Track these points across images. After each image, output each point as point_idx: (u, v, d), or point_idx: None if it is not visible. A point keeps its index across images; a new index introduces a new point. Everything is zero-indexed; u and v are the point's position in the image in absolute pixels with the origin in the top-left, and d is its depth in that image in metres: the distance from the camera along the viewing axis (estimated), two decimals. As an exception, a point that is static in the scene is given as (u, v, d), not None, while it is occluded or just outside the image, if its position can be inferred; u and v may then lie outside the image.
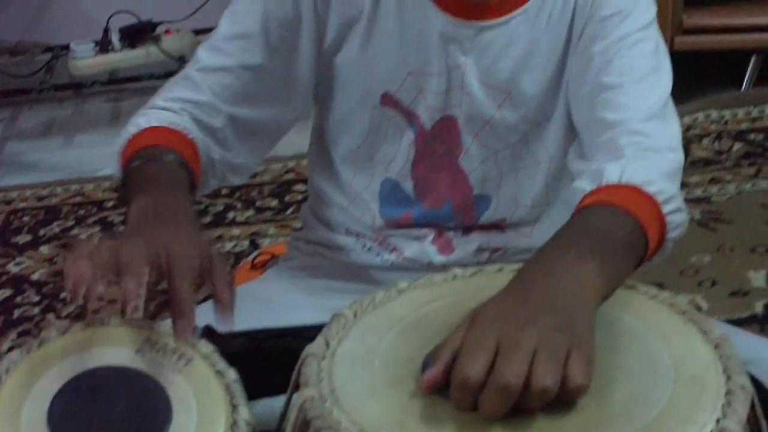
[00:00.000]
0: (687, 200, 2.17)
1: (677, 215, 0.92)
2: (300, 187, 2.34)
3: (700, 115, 2.61)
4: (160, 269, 0.82)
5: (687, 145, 2.46)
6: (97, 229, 2.23)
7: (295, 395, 0.79)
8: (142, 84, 2.86)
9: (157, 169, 0.98)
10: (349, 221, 1.18)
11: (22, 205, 2.40)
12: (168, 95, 1.08)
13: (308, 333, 0.87)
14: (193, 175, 1.01)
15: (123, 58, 2.75)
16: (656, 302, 0.86)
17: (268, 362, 0.97)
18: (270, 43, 1.06)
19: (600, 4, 1.04)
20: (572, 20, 1.05)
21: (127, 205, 0.94)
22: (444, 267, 1.13)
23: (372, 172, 1.14)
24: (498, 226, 1.15)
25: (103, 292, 0.81)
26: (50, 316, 1.87)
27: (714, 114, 2.62)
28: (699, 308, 1.75)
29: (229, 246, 2.13)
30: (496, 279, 0.85)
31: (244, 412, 0.78)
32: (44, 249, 2.18)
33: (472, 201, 1.13)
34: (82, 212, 2.32)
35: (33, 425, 0.76)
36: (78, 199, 2.38)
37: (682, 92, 2.63)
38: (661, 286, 1.81)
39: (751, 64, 2.75)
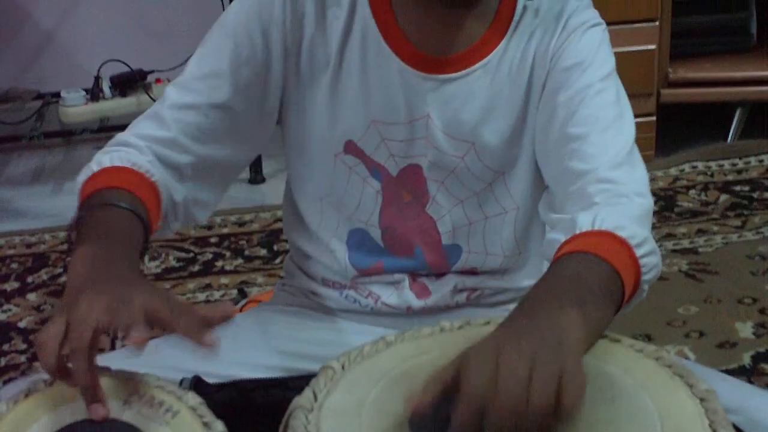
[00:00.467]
0: (674, 251, 2.21)
1: (651, 258, 0.93)
2: (289, 235, 2.34)
3: (687, 167, 2.63)
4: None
5: (674, 196, 2.48)
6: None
7: (282, 448, 0.79)
8: (132, 132, 2.86)
9: (106, 218, 0.96)
10: (323, 271, 1.18)
11: (10, 252, 2.40)
12: (135, 131, 1.07)
13: (296, 384, 0.87)
14: (148, 222, 0.99)
15: (113, 106, 2.76)
16: (642, 355, 0.86)
17: (255, 414, 0.97)
18: (239, 82, 1.07)
19: (560, 56, 1.05)
20: (531, 72, 1.07)
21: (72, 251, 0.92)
22: (423, 310, 1.15)
23: (338, 222, 1.15)
24: (472, 272, 1.16)
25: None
26: (37, 365, 1.86)
27: (700, 165, 2.64)
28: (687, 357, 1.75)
29: (217, 294, 2.13)
30: (483, 331, 0.85)
31: (230, 465, 0.78)
32: (32, 296, 2.17)
33: (442, 251, 1.14)
34: (70, 260, 2.31)
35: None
36: (66, 246, 2.37)
37: (669, 144, 2.70)
38: (648, 337, 1.84)
39: (736, 117, 2.79)
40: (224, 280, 2.19)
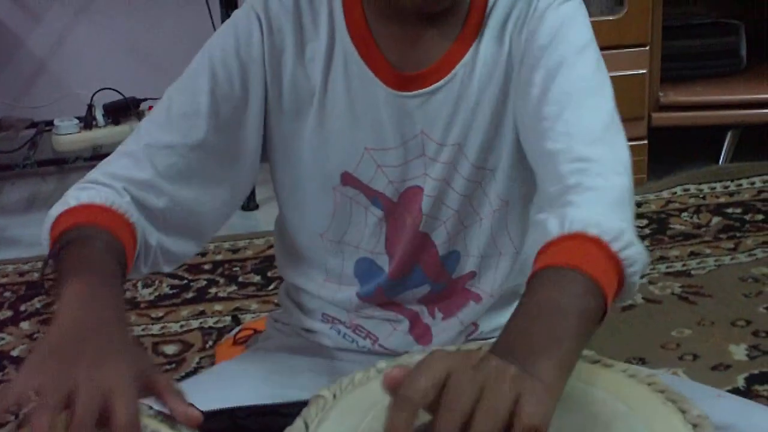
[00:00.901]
0: (667, 274, 2.21)
1: (631, 249, 0.85)
2: (282, 262, 2.34)
3: (679, 190, 2.64)
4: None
5: (666, 219, 2.48)
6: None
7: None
8: (125, 159, 2.87)
9: (87, 255, 0.93)
10: (323, 306, 1.17)
11: (3, 280, 2.39)
12: (109, 171, 1.04)
13: (288, 410, 0.87)
14: (125, 262, 0.97)
15: (106, 134, 2.77)
16: (635, 381, 0.86)
17: (248, 442, 0.97)
18: (217, 121, 1.05)
19: (534, 35, 1.03)
20: (508, 58, 1.05)
21: (56, 289, 0.90)
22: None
23: (344, 254, 1.13)
24: (476, 297, 1.15)
25: None
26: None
27: (692, 188, 2.65)
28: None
29: (211, 321, 2.12)
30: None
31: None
32: (25, 325, 2.16)
33: (440, 263, 1.13)
34: (57, 296, 2.30)
35: None
36: (41, 275, 2.36)
37: (661, 167, 2.71)
38: (642, 360, 1.84)
39: (727, 140, 2.80)
40: (218, 306, 2.19)
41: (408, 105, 1.06)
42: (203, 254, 2.41)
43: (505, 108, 1.06)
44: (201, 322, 2.12)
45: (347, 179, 1.09)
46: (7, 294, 2.32)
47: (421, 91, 1.06)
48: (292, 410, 0.84)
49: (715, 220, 2.48)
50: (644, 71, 2.63)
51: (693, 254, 2.30)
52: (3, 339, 2.11)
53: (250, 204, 2.67)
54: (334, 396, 0.85)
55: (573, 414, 0.80)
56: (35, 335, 2.11)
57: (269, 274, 2.31)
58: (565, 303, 0.80)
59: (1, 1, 3.05)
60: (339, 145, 1.07)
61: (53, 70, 3.13)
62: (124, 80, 2.89)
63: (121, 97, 2.81)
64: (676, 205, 2.56)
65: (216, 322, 2.12)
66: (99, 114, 2.77)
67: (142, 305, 2.20)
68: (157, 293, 2.26)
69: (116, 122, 2.79)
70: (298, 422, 0.81)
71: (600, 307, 0.82)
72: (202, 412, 0.96)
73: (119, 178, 1.03)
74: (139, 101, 2.82)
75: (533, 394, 0.70)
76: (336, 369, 1.15)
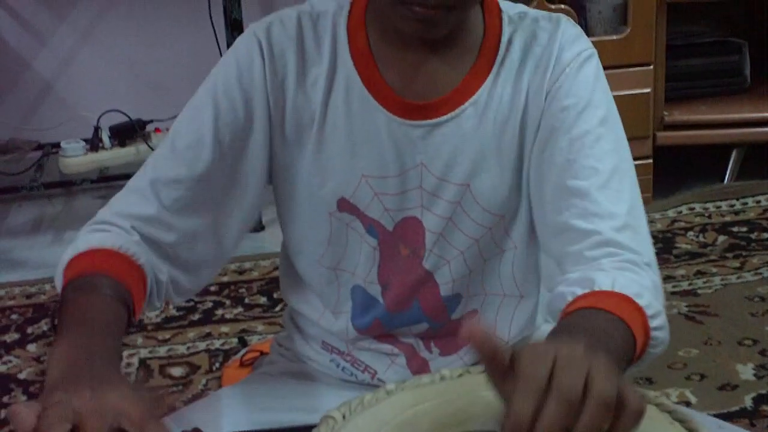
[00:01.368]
0: (673, 293, 2.21)
1: (661, 332, 0.92)
2: (288, 283, 2.34)
3: (684, 209, 2.64)
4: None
5: (672, 238, 2.48)
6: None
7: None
8: (131, 181, 2.88)
9: (89, 305, 0.92)
10: (323, 334, 1.16)
11: (10, 303, 2.40)
12: (118, 209, 1.04)
13: (298, 433, 0.87)
14: (132, 307, 0.96)
15: (113, 156, 2.78)
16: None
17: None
18: (221, 149, 1.05)
19: (555, 94, 1.03)
20: (525, 110, 1.05)
21: (54, 340, 0.90)
22: None
23: (339, 281, 1.12)
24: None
25: None
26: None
27: (698, 207, 2.65)
28: (688, 404, 1.75)
29: (218, 343, 2.13)
30: (482, 379, 0.85)
31: None
32: (32, 347, 2.17)
33: (442, 302, 1.12)
34: (50, 351, 2.30)
35: None
36: (51, 328, 2.38)
37: (666, 186, 2.71)
38: (649, 380, 1.84)
39: (732, 158, 2.80)
40: (224, 328, 2.19)
41: (410, 134, 1.05)
42: (209, 275, 2.42)
43: (522, 159, 1.06)
44: (208, 344, 2.13)
45: (344, 205, 1.08)
46: (14, 316, 2.33)
47: (425, 122, 1.05)
48: (301, 433, 0.84)
49: (721, 238, 2.48)
50: (648, 90, 2.64)
51: (699, 273, 2.30)
52: (10, 361, 2.11)
53: (256, 225, 2.68)
54: (344, 417, 0.85)
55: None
56: (42, 358, 2.11)
57: (275, 295, 2.31)
58: (612, 335, 0.86)
59: (8, 24, 3.07)
60: (336, 170, 1.07)
61: (60, 93, 3.15)
62: (130, 102, 2.90)
63: (127, 119, 2.82)
64: (682, 224, 2.57)
65: (223, 344, 2.12)
66: (105, 136, 2.78)
67: (149, 327, 2.21)
68: (163, 315, 2.26)
69: (122, 144, 2.79)
70: (308, 444, 0.81)
71: (628, 363, 0.88)
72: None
73: (127, 216, 1.03)
74: (145, 123, 2.83)
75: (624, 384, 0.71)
76: (339, 396, 1.15)
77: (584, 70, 1.04)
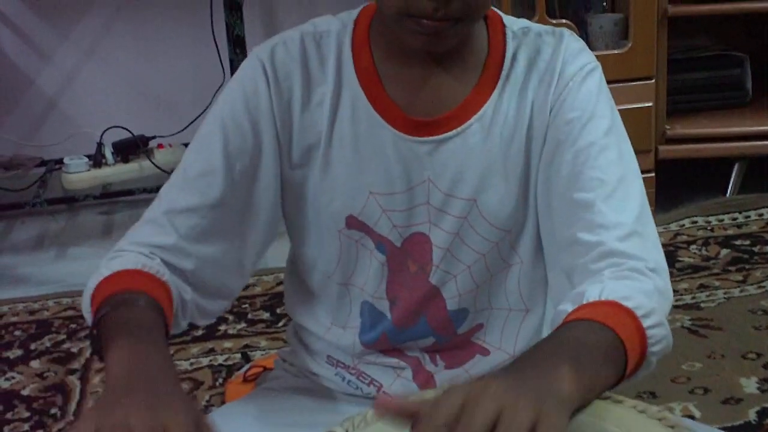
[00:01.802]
0: (676, 307, 2.20)
1: (658, 329, 0.92)
2: (291, 298, 2.34)
3: (687, 222, 2.64)
4: None
5: (675, 251, 2.48)
6: (88, 343, 2.22)
7: None
8: (134, 197, 2.89)
9: (130, 315, 0.95)
10: (328, 349, 1.16)
11: (14, 319, 2.40)
12: (135, 239, 1.06)
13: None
14: (166, 319, 0.98)
15: (116, 172, 2.78)
16: (645, 416, 0.86)
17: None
18: (233, 176, 1.06)
19: (560, 107, 1.04)
20: (530, 124, 1.06)
21: (101, 355, 0.92)
22: None
23: (350, 296, 1.13)
24: (483, 351, 1.14)
25: None
26: (40, 433, 1.85)
27: (700, 221, 2.65)
28: (691, 418, 1.74)
29: (221, 359, 2.12)
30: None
31: None
32: (35, 364, 2.17)
33: (448, 317, 1.12)
34: (73, 326, 2.31)
35: None
36: (70, 312, 2.38)
37: (668, 200, 2.71)
38: (653, 394, 1.83)
39: (734, 171, 2.80)
40: (227, 344, 2.19)
41: (417, 150, 1.06)
42: (212, 291, 2.42)
43: (528, 174, 1.07)
44: (211, 360, 2.13)
45: (352, 222, 1.09)
46: (18, 333, 2.33)
47: (431, 138, 1.06)
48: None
49: (724, 252, 2.48)
50: (650, 104, 2.65)
51: (702, 287, 2.30)
52: (13, 378, 2.11)
53: (258, 240, 2.68)
54: (347, 433, 0.85)
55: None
56: (45, 374, 2.11)
57: (278, 310, 2.31)
58: (589, 343, 0.86)
59: (11, 41, 3.09)
60: (344, 188, 1.08)
61: (63, 109, 3.16)
62: (133, 118, 2.91)
63: (130, 136, 2.83)
64: (685, 238, 2.57)
65: (226, 360, 2.12)
66: (108, 152, 2.79)
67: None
68: (166, 331, 2.26)
69: (125, 160, 2.80)
70: (311, 460, 0.81)
71: (620, 367, 0.88)
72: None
73: (145, 245, 1.05)
74: (148, 139, 2.84)
75: (549, 417, 0.72)
76: (342, 412, 1.14)
77: (587, 82, 1.05)
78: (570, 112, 1.04)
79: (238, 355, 2.12)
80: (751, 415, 1.77)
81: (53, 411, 1.95)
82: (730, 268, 2.39)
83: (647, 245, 1.00)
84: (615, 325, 0.89)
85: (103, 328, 0.94)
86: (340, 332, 1.15)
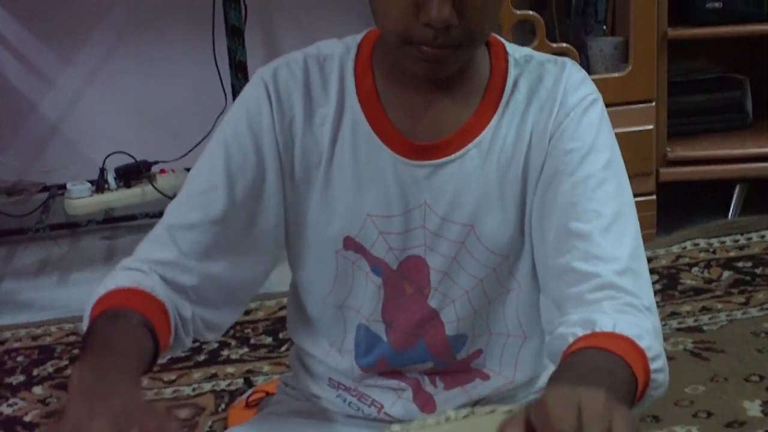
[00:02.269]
0: (679, 329, 2.20)
1: (661, 374, 0.93)
2: (294, 322, 2.34)
3: (689, 244, 2.64)
4: None
5: (677, 274, 2.48)
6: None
7: None
8: (137, 222, 2.89)
9: (111, 331, 0.95)
10: (329, 372, 1.17)
11: (16, 344, 2.40)
12: (138, 257, 1.06)
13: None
14: (156, 337, 0.98)
15: (118, 197, 2.79)
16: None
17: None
18: (235, 194, 1.06)
19: (560, 137, 1.04)
20: (528, 152, 1.06)
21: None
22: None
23: (345, 319, 1.13)
24: (483, 375, 1.15)
25: None
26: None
27: (702, 243, 2.65)
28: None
29: (223, 384, 2.12)
30: (488, 420, 0.85)
31: None
32: (37, 389, 2.17)
33: (447, 341, 1.12)
34: (76, 351, 2.31)
35: None
36: (72, 338, 2.38)
37: (670, 222, 2.71)
38: (656, 418, 1.83)
39: (736, 193, 2.81)
40: (230, 369, 2.19)
41: (415, 174, 1.07)
42: (215, 316, 2.42)
43: (525, 201, 1.07)
44: (213, 385, 2.13)
45: (349, 243, 1.09)
46: (20, 358, 2.33)
47: (429, 162, 1.06)
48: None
49: (726, 274, 2.48)
50: (651, 127, 2.65)
51: (704, 309, 2.30)
52: (16, 404, 2.11)
53: (261, 265, 2.68)
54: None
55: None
56: (48, 400, 2.11)
57: (281, 335, 2.31)
58: (616, 374, 0.87)
59: (14, 66, 3.10)
60: (342, 209, 1.08)
61: (66, 135, 3.17)
62: (136, 144, 2.92)
63: (132, 161, 2.84)
64: (686, 260, 2.57)
65: (228, 385, 2.12)
66: (111, 177, 2.79)
67: (155, 368, 2.20)
68: (169, 356, 2.26)
69: (128, 185, 2.81)
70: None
71: (630, 404, 0.88)
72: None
73: (146, 261, 1.05)
74: (151, 164, 2.85)
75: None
76: None
77: (589, 114, 1.05)
78: (570, 142, 1.04)
79: (241, 380, 2.12)
80: (755, 439, 1.77)
81: (56, 437, 1.94)
82: (732, 290, 2.39)
83: (640, 283, 1.00)
84: (631, 362, 0.89)
85: (83, 343, 0.96)
86: (338, 356, 1.15)
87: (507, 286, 1.11)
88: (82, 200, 2.77)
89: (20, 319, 2.54)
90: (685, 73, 2.88)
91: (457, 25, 0.96)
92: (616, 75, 2.61)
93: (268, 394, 1.64)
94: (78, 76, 3.12)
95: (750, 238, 2.67)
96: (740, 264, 2.53)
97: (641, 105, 2.64)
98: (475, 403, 1.14)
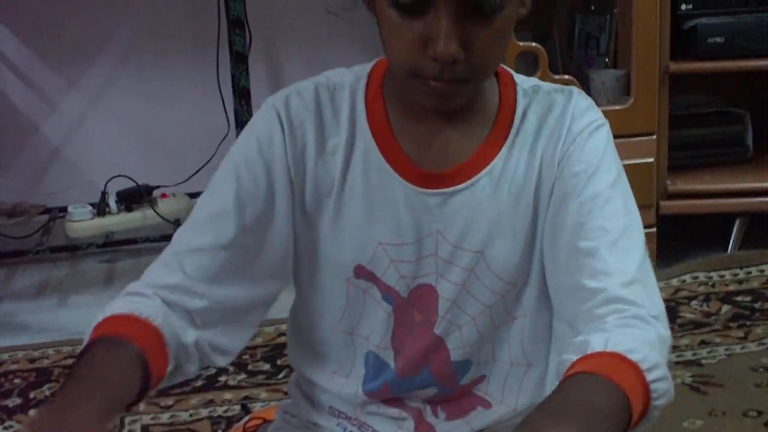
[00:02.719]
0: (677, 363, 2.20)
1: (661, 383, 0.93)
2: (292, 349, 2.33)
3: (688, 278, 2.64)
4: None
5: (676, 307, 2.48)
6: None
7: None
8: (137, 246, 2.89)
9: (89, 367, 0.94)
10: (331, 400, 1.17)
11: (14, 367, 2.39)
12: (143, 281, 1.07)
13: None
14: (148, 367, 0.97)
15: (119, 221, 2.79)
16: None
17: None
18: (244, 220, 1.06)
19: (567, 161, 1.06)
20: (539, 179, 1.07)
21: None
22: None
23: (354, 346, 1.14)
24: (485, 403, 1.15)
25: None
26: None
27: (701, 276, 2.65)
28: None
29: (220, 410, 2.12)
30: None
31: None
32: (34, 413, 2.16)
33: (451, 369, 1.13)
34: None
35: None
36: (70, 361, 2.37)
37: (670, 255, 2.71)
38: (654, 452, 1.81)
39: (735, 227, 2.81)
40: (227, 395, 2.18)
41: (427, 202, 1.08)
42: (213, 341, 2.41)
43: (536, 228, 1.08)
44: (210, 411, 2.12)
45: (360, 272, 1.10)
46: (17, 381, 2.32)
47: (441, 190, 1.08)
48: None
49: (725, 308, 2.47)
50: (652, 160, 2.66)
51: (703, 343, 2.29)
52: (12, 427, 2.10)
53: (260, 291, 2.67)
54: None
55: None
56: (44, 423, 2.10)
57: (279, 362, 2.31)
58: (599, 404, 0.87)
59: (17, 88, 3.11)
60: (353, 237, 1.09)
61: (67, 157, 3.18)
62: (137, 168, 2.92)
63: (134, 185, 2.84)
64: (686, 293, 2.56)
65: (225, 411, 2.11)
66: (112, 201, 2.80)
67: (151, 394, 2.20)
68: (169, 384, 2.25)
69: (129, 209, 2.81)
70: None
71: (624, 422, 0.88)
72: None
73: (151, 285, 1.05)
74: (152, 188, 2.86)
75: None
76: None
77: (595, 138, 1.07)
78: (576, 165, 1.06)
79: (238, 407, 2.11)
80: (753, 474, 1.76)
81: (51, 461, 1.93)
82: (731, 324, 2.39)
83: (647, 292, 1.01)
84: (621, 381, 0.89)
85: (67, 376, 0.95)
86: (343, 381, 1.15)
87: (514, 314, 1.12)
88: (82, 223, 2.78)
89: (18, 341, 2.53)
90: (687, 107, 2.89)
91: (463, 60, 0.97)
92: (617, 107, 2.62)
93: (265, 421, 1.64)
94: (81, 99, 3.14)
95: (749, 273, 2.67)
96: (739, 298, 2.53)
97: (642, 138, 2.65)
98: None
